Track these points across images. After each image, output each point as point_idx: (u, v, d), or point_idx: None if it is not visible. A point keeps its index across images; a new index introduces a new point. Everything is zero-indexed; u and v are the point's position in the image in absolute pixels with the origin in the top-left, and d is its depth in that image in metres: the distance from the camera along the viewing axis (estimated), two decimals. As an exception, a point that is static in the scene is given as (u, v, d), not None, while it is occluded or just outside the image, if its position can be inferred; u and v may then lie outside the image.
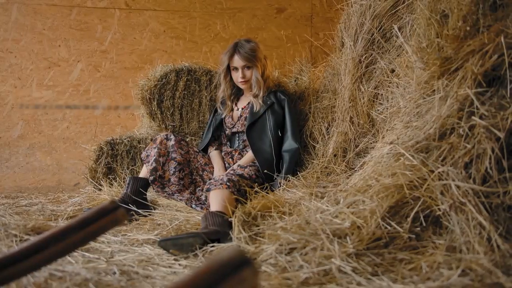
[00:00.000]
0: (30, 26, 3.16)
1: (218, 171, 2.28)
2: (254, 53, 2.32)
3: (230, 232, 1.51)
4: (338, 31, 2.46)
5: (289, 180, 2.06)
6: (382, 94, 2.13)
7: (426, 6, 1.81)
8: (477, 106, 1.39)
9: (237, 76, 2.37)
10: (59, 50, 3.21)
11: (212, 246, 1.40)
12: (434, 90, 1.67)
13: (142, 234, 1.69)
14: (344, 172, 2.13)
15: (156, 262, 1.36)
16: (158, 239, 1.44)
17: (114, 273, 1.21)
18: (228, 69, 2.41)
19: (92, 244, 1.55)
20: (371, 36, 2.20)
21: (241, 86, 2.41)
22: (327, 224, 1.33)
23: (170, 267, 1.31)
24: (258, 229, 1.46)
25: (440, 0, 1.79)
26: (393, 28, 2.14)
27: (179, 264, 1.33)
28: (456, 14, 1.63)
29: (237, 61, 2.33)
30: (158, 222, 1.88)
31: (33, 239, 0.87)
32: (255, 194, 1.82)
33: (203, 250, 1.38)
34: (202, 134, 2.67)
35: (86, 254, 1.42)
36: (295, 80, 2.99)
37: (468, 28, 1.54)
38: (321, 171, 2.19)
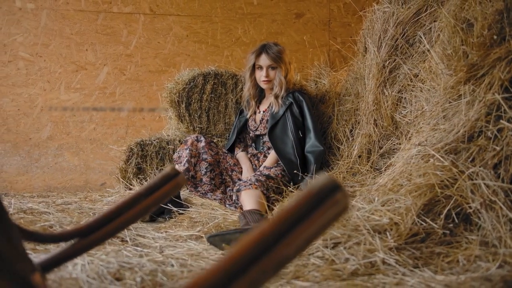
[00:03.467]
0: (59, 31, 3.28)
1: (247, 172, 2.38)
2: (280, 55, 2.42)
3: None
4: (360, 37, 2.55)
5: (317, 180, 2.16)
6: (405, 98, 2.22)
7: (450, 14, 1.90)
8: (505, 110, 1.48)
9: (260, 75, 2.46)
10: (86, 54, 3.32)
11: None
12: (460, 95, 1.76)
13: (184, 231, 1.79)
14: (370, 173, 2.23)
15: (205, 256, 1.45)
16: (207, 236, 1.54)
17: (172, 265, 1.31)
18: (254, 68, 2.50)
19: (141, 240, 1.65)
20: (395, 42, 2.29)
21: (263, 85, 2.50)
22: (366, 220, 1.43)
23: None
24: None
25: (463, 9, 1.88)
26: (416, 35, 2.24)
27: (228, 258, 1.43)
28: (480, 23, 1.72)
29: (263, 60, 2.43)
30: (195, 220, 1.97)
31: (110, 207, 0.97)
32: (291, 192, 1.93)
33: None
34: (228, 135, 2.78)
35: (139, 248, 1.52)
36: (315, 84, 3.09)
37: (495, 37, 1.63)
38: (346, 171, 2.29)
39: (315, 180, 0.56)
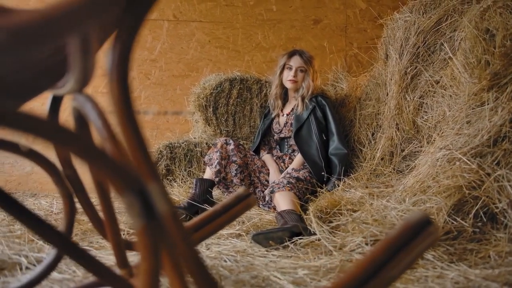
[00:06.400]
0: (86, 37, 3.39)
1: (274, 173, 2.49)
2: (311, 60, 2.56)
3: (308, 226, 1.72)
4: (382, 44, 2.67)
5: (344, 181, 2.27)
6: (427, 103, 2.33)
7: (472, 24, 2.01)
8: (528, 117, 1.59)
9: (288, 74, 2.58)
10: (112, 59, 3.43)
11: (301, 238, 1.61)
12: (483, 102, 1.87)
13: (223, 230, 1.90)
14: (392, 174, 2.34)
15: (250, 252, 1.57)
16: (251, 234, 1.65)
17: (225, 260, 1.43)
18: (283, 69, 2.62)
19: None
20: (416, 50, 2.40)
21: (288, 84, 2.61)
22: (401, 219, 1.55)
23: (265, 256, 1.53)
24: (335, 224, 1.68)
25: (484, 19, 2.00)
26: (437, 43, 2.35)
27: (272, 255, 1.54)
28: (501, 33, 1.84)
29: (295, 60, 2.56)
30: (231, 219, 2.09)
31: (194, 219, 1.08)
32: (322, 194, 2.04)
33: (292, 242, 1.60)
34: (253, 138, 2.90)
35: (187, 245, 1.63)
36: (334, 88, 3.20)
37: (518, 48, 1.74)
38: (370, 173, 2.41)
39: (413, 215, 0.68)
